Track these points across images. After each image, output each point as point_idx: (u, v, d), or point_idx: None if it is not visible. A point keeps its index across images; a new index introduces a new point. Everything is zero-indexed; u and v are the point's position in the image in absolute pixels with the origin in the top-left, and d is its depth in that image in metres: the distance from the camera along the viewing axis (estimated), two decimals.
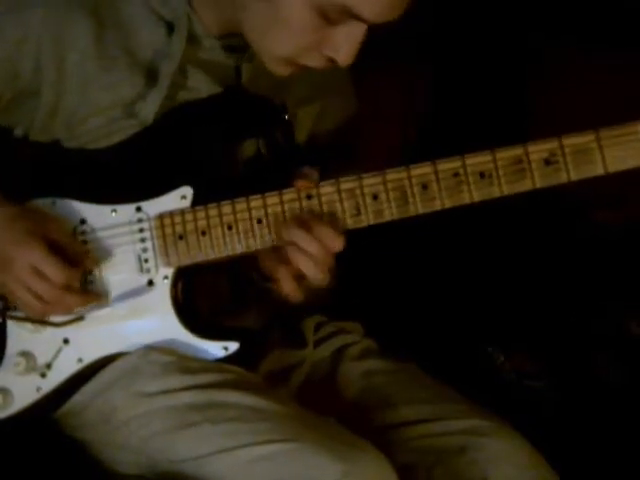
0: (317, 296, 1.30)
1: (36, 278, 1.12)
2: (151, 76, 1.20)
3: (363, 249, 1.36)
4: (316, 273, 1.12)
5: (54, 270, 1.12)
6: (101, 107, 1.20)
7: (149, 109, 1.19)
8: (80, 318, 1.20)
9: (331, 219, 1.13)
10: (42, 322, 1.20)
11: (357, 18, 1.08)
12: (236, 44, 1.22)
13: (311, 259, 1.11)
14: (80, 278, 1.17)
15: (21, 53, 1.18)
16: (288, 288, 1.15)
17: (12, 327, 1.22)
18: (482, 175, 1.09)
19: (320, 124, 1.36)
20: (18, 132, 1.25)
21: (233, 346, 1.18)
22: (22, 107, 1.22)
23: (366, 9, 1.06)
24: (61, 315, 1.19)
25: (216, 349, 1.18)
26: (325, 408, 1.17)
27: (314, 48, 1.12)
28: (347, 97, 1.40)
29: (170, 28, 1.20)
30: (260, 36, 1.15)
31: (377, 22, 1.09)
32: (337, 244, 1.12)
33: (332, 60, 1.13)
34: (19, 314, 1.21)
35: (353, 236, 1.16)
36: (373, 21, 1.08)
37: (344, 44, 1.10)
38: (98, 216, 1.20)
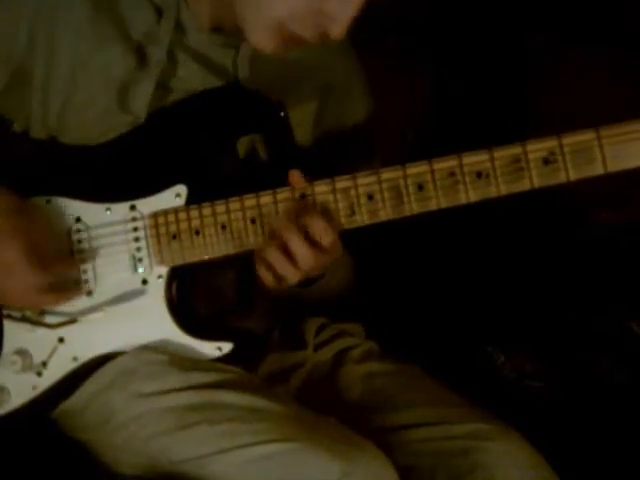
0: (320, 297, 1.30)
1: (8, 276, 1.13)
2: (142, 58, 1.20)
3: (363, 250, 1.36)
4: (291, 274, 1.11)
5: (25, 272, 1.12)
6: (93, 94, 1.20)
7: (141, 100, 1.19)
8: (73, 320, 1.20)
9: (325, 215, 1.12)
10: (36, 323, 1.20)
11: None
12: (230, 41, 1.22)
13: (301, 270, 1.11)
14: (55, 279, 1.17)
15: (16, 31, 1.18)
16: (263, 274, 1.14)
17: (8, 325, 1.22)
18: (479, 175, 1.08)
19: (322, 124, 1.34)
20: (17, 128, 1.25)
21: (227, 347, 1.17)
22: (16, 95, 1.22)
23: None
24: (53, 315, 1.20)
25: (210, 349, 1.18)
26: (326, 410, 1.16)
27: (308, 18, 1.09)
28: (358, 97, 1.38)
29: (160, 14, 1.20)
30: (246, 7, 1.12)
31: None
32: (326, 238, 1.10)
33: (324, 33, 1.10)
34: (15, 314, 1.21)
35: (353, 237, 1.16)
36: None
37: (337, 16, 1.07)
38: (92, 214, 1.20)
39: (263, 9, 1.11)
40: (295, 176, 1.13)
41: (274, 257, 1.11)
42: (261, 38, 1.13)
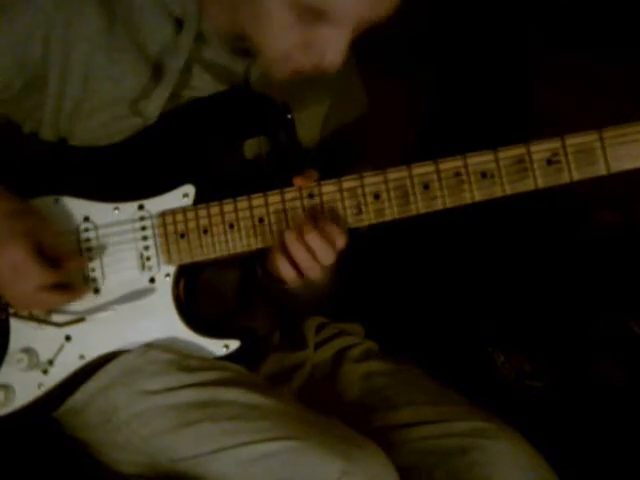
0: (317, 298, 1.31)
1: (16, 278, 1.13)
2: (157, 72, 1.20)
3: (364, 250, 1.37)
4: (314, 267, 1.13)
5: (33, 272, 1.12)
6: (104, 101, 1.20)
7: (154, 106, 1.19)
8: (81, 319, 1.20)
9: (333, 217, 1.13)
10: (43, 321, 1.20)
11: (332, 20, 1.05)
12: (246, 47, 1.21)
13: (312, 254, 1.12)
14: (63, 278, 1.16)
15: (32, 38, 1.18)
16: (287, 275, 1.15)
17: (15, 323, 1.22)
18: (484, 175, 1.09)
19: (329, 124, 1.35)
20: (26, 129, 1.25)
21: (234, 344, 1.18)
22: (30, 99, 1.22)
23: (336, 9, 1.04)
24: (60, 314, 1.20)
25: (217, 347, 1.18)
26: (326, 409, 1.16)
27: (299, 51, 1.11)
28: (357, 97, 1.39)
29: (179, 24, 1.20)
30: (253, 35, 1.14)
31: (352, 24, 1.06)
32: (340, 241, 1.12)
33: (318, 65, 1.11)
34: (23, 313, 1.21)
35: (353, 237, 1.17)
36: (347, 22, 1.06)
37: (328, 48, 1.09)
38: (101, 214, 1.21)
39: (263, 49, 1.14)
40: (301, 178, 1.15)
41: (301, 254, 1.13)
42: (274, 72, 1.15)
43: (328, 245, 1.12)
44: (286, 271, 1.15)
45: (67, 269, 1.16)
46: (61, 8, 1.17)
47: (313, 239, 1.12)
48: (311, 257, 1.12)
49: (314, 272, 1.14)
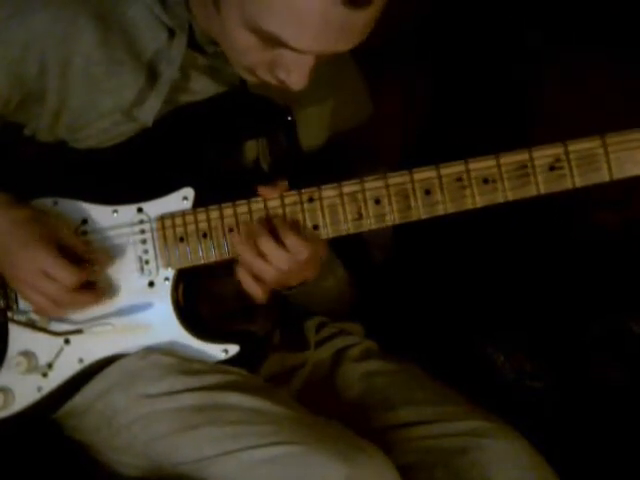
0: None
1: (46, 281, 1.13)
2: (151, 77, 1.19)
3: (364, 251, 1.36)
4: (279, 280, 1.14)
5: (63, 273, 1.13)
6: (104, 111, 1.20)
7: (148, 112, 1.18)
8: (79, 331, 1.20)
9: (294, 226, 1.13)
10: (42, 330, 1.20)
11: (290, 49, 1.04)
12: None
13: (263, 258, 1.12)
14: (87, 277, 1.17)
15: (27, 57, 1.16)
16: (250, 289, 1.15)
17: (14, 327, 1.22)
18: (486, 181, 1.08)
19: (334, 125, 1.34)
20: (26, 132, 1.25)
21: (233, 349, 1.18)
22: (28, 111, 1.22)
23: (294, 41, 1.02)
24: (65, 322, 1.20)
25: (216, 352, 1.18)
26: (326, 409, 1.17)
27: (265, 67, 1.10)
28: (361, 99, 1.38)
29: (172, 33, 1.19)
30: (223, 48, 1.14)
31: (314, 53, 1.05)
32: (304, 253, 1.12)
33: (283, 83, 1.10)
34: (21, 318, 1.21)
35: (354, 238, 1.16)
36: (308, 52, 1.04)
37: (293, 69, 1.07)
38: (99, 216, 1.20)
39: (231, 62, 1.14)
40: (265, 186, 1.15)
41: (250, 257, 1.13)
42: (243, 75, 1.15)
43: (282, 250, 1.11)
44: (241, 275, 1.15)
45: (91, 267, 1.16)
46: (56, 24, 1.15)
47: (266, 242, 1.12)
48: (263, 261, 1.12)
49: (269, 275, 1.13)
